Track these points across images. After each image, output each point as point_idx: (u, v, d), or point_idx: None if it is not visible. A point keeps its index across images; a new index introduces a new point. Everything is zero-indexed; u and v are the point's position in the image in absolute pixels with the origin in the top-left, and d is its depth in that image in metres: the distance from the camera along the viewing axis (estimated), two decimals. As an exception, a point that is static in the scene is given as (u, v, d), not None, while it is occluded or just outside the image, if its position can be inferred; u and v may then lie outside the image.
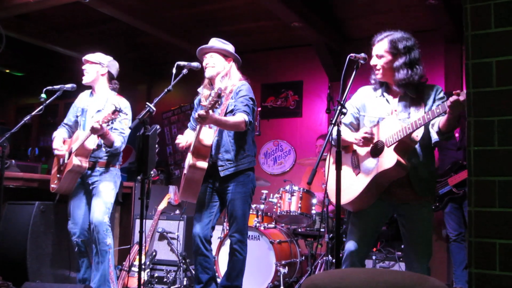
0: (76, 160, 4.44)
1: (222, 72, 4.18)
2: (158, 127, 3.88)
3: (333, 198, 3.53)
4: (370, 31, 6.99)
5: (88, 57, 4.70)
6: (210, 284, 4.09)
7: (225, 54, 4.22)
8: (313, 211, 5.54)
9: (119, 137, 4.51)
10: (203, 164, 3.96)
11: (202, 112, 3.67)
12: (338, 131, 3.02)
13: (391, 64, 3.34)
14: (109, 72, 4.74)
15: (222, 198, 4.16)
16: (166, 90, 3.83)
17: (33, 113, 4.63)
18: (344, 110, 3.05)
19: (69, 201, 4.65)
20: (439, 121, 3.18)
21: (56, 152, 4.66)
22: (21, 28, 7.15)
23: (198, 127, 3.98)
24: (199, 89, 4.32)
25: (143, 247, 5.41)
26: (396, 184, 3.28)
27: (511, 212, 1.90)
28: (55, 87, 4.72)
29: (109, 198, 4.51)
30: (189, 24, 7.21)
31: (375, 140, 3.29)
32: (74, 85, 4.76)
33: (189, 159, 4.02)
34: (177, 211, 6.54)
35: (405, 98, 3.37)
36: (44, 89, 4.66)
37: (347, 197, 3.32)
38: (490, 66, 1.99)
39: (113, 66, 4.78)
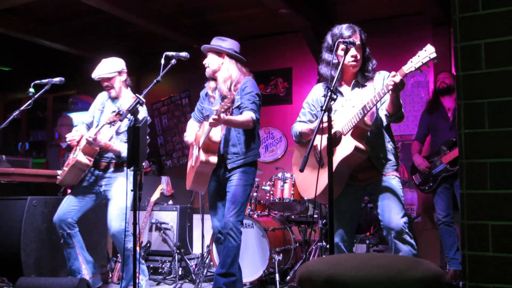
0: (81, 157, 4.44)
1: (221, 69, 4.29)
2: (148, 118, 3.86)
3: (303, 194, 3.78)
4: (358, 15, 7.00)
5: (103, 73, 4.60)
6: None
7: (217, 51, 4.32)
8: (306, 198, 5.56)
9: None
10: (214, 159, 4.16)
11: (215, 116, 3.85)
12: (329, 117, 3.02)
13: (363, 54, 3.48)
14: (126, 74, 4.71)
15: (226, 188, 4.33)
16: (155, 81, 3.82)
17: (21, 108, 4.59)
18: (334, 97, 3.08)
19: (69, 193, 4.63)
20: (385, 105, 3.33)
21: (67, 140, 4.64)
22: (6, 22, 7.08)
23: (207, 126, 4.09)
24: (206, 84, 4.45)
25: (137, 239, 5.43)
26: (359, 169, 3.41)
27: (502, 194, 1.92)
28: (43, 81, 4.67)
29: (123, 202, 4.37)
30: (176, 13, 7.16)
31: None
32: (62, 79, 4.71)
33: (200, 155, 4.17)
34: (170, 202, 6.55)
35: (358, 86, 3.52)
36: (32, 83, 4.61)
37: (318, 189, 3.32)
38: (479, 49, 2.00)
39: (124, 64, 4.73)
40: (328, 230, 3.44)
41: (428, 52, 3.04)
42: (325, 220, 5.31)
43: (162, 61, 3.83)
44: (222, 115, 3.86)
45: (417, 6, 6.57)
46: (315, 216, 5.44)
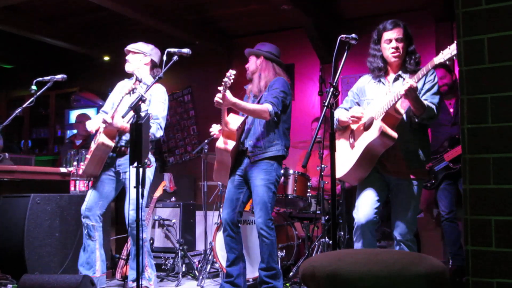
0: (103, 138, 4.36)
1: (257, 69, 4.49)
2: (151, 114, 3.86)
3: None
4: (360, 11, 6.98)
5: (130, 47, 4.68)
6: (238, 263, 4.44)
7: (256, 54, 4.53)
8: (309, 194, 5.55)
9: (151, 125, 4.41)
10: (228, 146, 4.29)
11: (219, 95, 3.94)
12: (331, 113, 3.09)
13: (406, 49, 3.61)
14: (152, 61, 4.71)
15: (249, 185, 4.45)
16: (157, 77, 3.83)
17: (24, 105, 4.60)
18: (336, 93, 3.14)
19: (92, 184, 4.61)
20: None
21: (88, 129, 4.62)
22: (8, 19, 7.09)
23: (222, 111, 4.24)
24: (246, 86, 4.65)
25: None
26: (388, 159, 3.55)
27: (506, 189, 1.91)
28: (45, 78, 4.67)
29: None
30: (178, 10, 7.16)
31: (368, 117, 3.56)
32: (65, 76, 4.71)
33: (218, 141, 4.36)
34: (173, 198, 6.55)
35: (399, 78, 3.64)
36: (34, 81, 4.61)
37: (344, 169, 3.65)
38: (482, 43, 1.99)
39: (156, 54, 4.75)
40: (331, 226, 3.49)
41: None
42: (328, 216, 5.31)
43: (164, 58, 3.85)
44: (228, 92, 3.93)
45: (420, 1, 6.56)
46: (318, 212, 5.43)
